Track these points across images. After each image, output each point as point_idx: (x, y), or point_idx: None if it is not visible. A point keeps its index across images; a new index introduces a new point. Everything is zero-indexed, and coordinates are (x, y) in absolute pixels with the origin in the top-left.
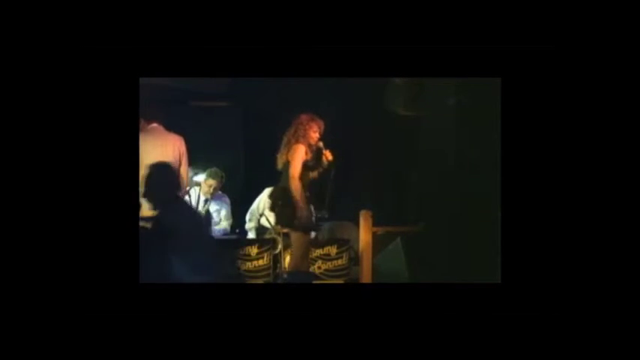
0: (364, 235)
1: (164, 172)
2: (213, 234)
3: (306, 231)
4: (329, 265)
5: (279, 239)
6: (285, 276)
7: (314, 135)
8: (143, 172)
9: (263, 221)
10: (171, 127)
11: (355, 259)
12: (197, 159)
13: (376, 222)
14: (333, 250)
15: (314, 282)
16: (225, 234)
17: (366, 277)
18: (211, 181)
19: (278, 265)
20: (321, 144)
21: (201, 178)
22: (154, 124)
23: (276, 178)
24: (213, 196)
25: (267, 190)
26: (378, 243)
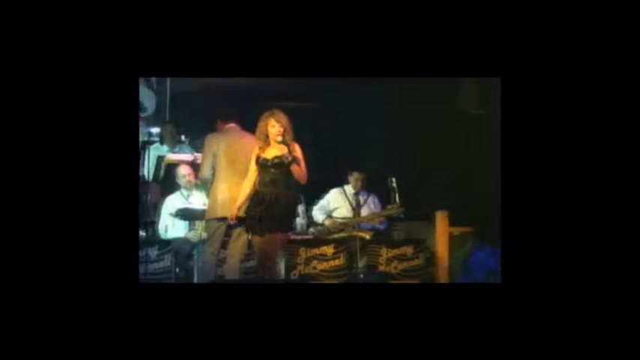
0: (440, 236)
1: None
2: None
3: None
4: (405, 265)
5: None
6: (361, 276)
7: (272, 130)
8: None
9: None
10: (247, 127)
11: (431, 260)
12: None
13: (453, 222)
14: (409, 250)
15: (391, 282)
16: (299, 233)
17: (442, 277)
18: None
19: (354, 265)
20: (279, 138)
21: None
22: (231, 124)
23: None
24: None
25: (334, 190)
26: (454, 243)
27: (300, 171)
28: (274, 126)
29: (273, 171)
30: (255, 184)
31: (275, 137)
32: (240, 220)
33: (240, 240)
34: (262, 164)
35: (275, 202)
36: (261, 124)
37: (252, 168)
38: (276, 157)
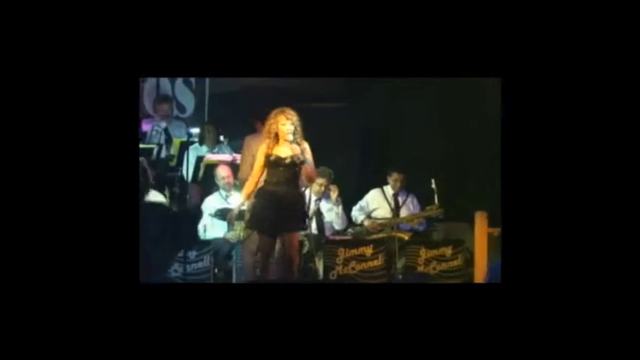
0: (479, 237)
1: None
2: (325, 233)
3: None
4: (444, 266)
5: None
6: (399, 277)
7: (282, 128)
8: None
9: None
10: None
11: (470, 261)
12: None
13: (492, 223)
14: (448, 251)
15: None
16: (337, 233)
17: (480, 278)
18: (321, 180)
19: (393, 265)
20: (290, 137)
21: None
22: None
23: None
24: (323, 195)
25: (374, 191)
26: (493, 244)
27: (310, 171)
28: (285, 124)
29: (284, 170)
30: (258, 182)
31: (285, 135)
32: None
33: None
34: (274, 163)
35: (291, 202)
36: (271, 122)
37: (259, 166)
38: (290, 156)
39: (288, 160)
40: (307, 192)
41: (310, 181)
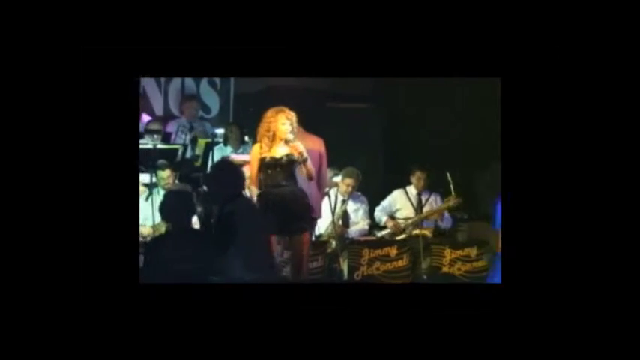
0: None
1: (228, 170)
2: (350, 235)
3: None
4: (469, 266)
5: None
6: (424, 277)
7: (282, 127)
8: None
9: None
10: (310, 128)
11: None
12: (335, 160)
13: None
14: (472, 251)
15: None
16: (363, 234)
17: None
18: (349, 180)
19: (417, 266)
20: (291, 136)
21: (338, 178)
22: None
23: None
24: (350, 196)
25: (397, 191)
26: None
27: (310, 169)
28: (284, 123)
29: (282, 170)
30: (259, 183)
31: (284, 135)
32: None
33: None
34: (271, 164)
35: (294, 201)
36: (269, 121)
37: (255, 167)
38: (286, 155)
39: (284, 160)
40: (333, 192)
41: (310, 178)
